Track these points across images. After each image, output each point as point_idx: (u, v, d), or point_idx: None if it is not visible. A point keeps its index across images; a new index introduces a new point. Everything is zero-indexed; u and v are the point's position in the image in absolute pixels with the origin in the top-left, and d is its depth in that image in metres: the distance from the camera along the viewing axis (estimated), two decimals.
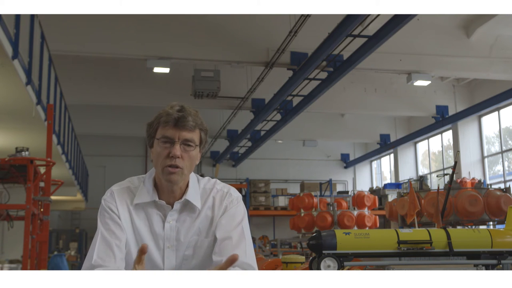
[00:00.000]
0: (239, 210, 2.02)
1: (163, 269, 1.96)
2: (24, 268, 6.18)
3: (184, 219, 1.99)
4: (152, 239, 1.97)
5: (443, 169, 17.57)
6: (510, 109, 14.78)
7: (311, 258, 3.35)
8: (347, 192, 16.10)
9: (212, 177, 2.15)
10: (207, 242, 1.98)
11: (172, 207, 1.98)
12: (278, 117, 15.13)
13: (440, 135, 18.02)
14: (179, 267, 1.98)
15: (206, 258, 1.98)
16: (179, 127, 1.90)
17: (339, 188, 21.34)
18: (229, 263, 1.65)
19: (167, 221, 1.98)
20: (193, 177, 2.04)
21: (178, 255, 1.98)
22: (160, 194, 2.00)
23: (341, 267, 3.03)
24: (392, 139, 19.36)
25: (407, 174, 19.32)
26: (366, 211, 12.02)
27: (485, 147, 16.04)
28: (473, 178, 12.14)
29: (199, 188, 2.04)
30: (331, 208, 11.72)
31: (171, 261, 1.97)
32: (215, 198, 2.03)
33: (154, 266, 1.96)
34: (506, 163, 15.25)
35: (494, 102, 13.73)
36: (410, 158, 19.92)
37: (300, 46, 10.97)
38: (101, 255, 1.87)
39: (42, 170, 6.77)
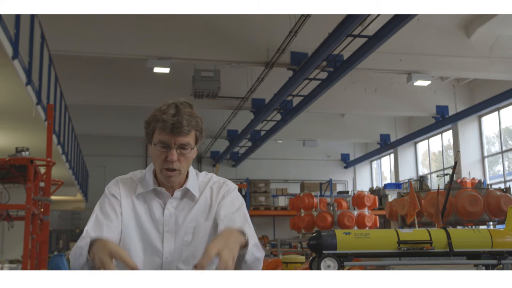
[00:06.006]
0: (237, 196, 2.13)
1: (163, 253, 2.03)
2: (24, 268, 6.18)
3: (183, 206, 2.08)
4: (152, 225, 2.05)
5: (443, 169, 17.56)
6: (510, 109, 14.77)
7: (311, 258, 3.35)
8: (347, 192, 16.10)
9: None
10: (205, 227, 2.06)
11: (172, 195, 2.07)
12: (278, 117, 15.13)
13: (440, 135, 18.01)
14: (179, 252, 2.04)
15: (205, 244, 2.01)
16: (174, 133, 1.96)
17: (339, 188, 21.33)
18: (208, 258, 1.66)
19: (167, 208, 2.07)
20: (192, 170, 2.14)
21: (177, 240, 2.04)
22: (160, 184, 2.09)
23: (341, 267, 3.04)
24: (392, 139, 19.35)
25: (407, 174, 19.30)
26: (366, 211, 12.01)
27: (485, 147, 16.03)
28: (473, 178, 12.11)
29: (198, 181, 2.13)
30: (331, 208, 11.72)
31: (170, 245, 2.04)
32: (212, 188, 2.13)
33: (154, 249, 2.03)
34: (506, 163, 15.25)
35: (494, 102, 13.73)
36: (410, 158, 19.92)
37: (300, 46, 10.96)
38: (91, 233, 1.96)
39: (42, 170, 6.77)
